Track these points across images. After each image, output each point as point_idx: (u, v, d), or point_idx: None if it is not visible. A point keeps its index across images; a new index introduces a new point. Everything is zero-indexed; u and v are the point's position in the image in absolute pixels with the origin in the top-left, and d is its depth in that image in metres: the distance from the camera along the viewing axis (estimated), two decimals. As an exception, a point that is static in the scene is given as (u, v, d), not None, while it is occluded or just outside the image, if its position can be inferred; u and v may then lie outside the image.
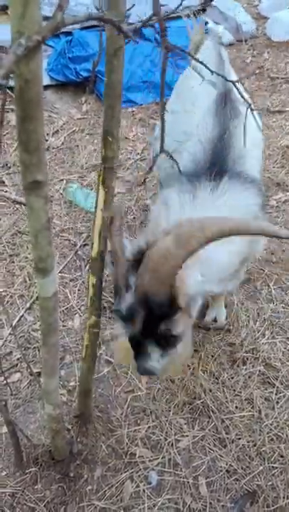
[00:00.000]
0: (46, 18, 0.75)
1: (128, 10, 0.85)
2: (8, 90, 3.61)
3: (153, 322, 1.27)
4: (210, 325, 2.35)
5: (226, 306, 2.40)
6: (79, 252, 2.67)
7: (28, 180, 0.83)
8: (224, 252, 1.42)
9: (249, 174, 1.68)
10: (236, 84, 1.12)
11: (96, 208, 1.15)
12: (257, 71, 4.33)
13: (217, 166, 1.62)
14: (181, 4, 0.99)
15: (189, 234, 1.12)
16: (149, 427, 1.97)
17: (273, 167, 3.28)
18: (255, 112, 2.15)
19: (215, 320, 2.37)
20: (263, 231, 1.09)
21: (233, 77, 2.01)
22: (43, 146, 0.81)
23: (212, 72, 0.99)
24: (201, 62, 1.00)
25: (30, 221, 0.90)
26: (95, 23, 4.00)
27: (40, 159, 0.81)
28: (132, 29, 0.76)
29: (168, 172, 1.85)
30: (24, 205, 2.88)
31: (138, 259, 1.25)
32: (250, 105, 1.23)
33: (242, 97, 1.24)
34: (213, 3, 4.49)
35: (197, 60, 0.99)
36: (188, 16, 2.34)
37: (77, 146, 3.45)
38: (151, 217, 1.65)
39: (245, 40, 4.66)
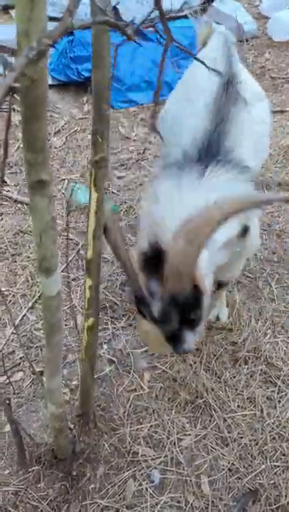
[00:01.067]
0: (51, 19, 0.76)
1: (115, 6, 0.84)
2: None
3: (185, 313, 1.34)
4: (212, 323, 2.36)
5: (227, 306, 2.41)
6: (81, 252, 2.67)
7: (32, 180, 0.84)
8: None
9: (242, 162, 1.68)
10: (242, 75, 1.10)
11: (89, 210, 1.16)
12: (258, 71, 4.33)
13: (210, 153, 1.65)
14: (183, 4, 1.00)
15: (197, 230, 1.17)
16: (151, 426, 1.98)
17: (275, 167, 3.29)
18: (265, 102, 2.17)
19: (217, 318, 2.38)
20: (259, 202, 1.18)
21: (242, 69, 2.00)
22: (47, 146, 0.81)
23: (208, 68, 0.99)
24: (201, 61, 1.00)
25: (34, 220, 0.91)
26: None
27: (45, 158, 0.82)
28: (134, 30, 0.76)
29: (165, 160, 1.87)
30: (26, 204, 2.89)
31: (147, 264, 1.32)
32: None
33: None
34: (213, 3, 4.50)
35: (196, 58, 0.99)
36: (191, 14, 2.34)
37: (79, 145, 3.46)
38: (143, 214, 1.68)
39: (246, 40, 4.66)
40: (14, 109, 3.26)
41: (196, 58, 1.03)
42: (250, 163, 1.77)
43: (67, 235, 1.37)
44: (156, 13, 0.88)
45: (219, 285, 2.30)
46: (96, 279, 1.32)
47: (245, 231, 1.71)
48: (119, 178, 3.22)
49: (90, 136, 3.24)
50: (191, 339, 1.43)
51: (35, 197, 0.87)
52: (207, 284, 1.43)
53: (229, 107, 1.75)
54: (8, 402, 1.55)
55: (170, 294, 1.28)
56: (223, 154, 1.67)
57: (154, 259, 1.32)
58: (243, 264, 2.11)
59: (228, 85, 1.80)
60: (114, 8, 4.45)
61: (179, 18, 4.17)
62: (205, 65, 1.02)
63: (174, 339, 1.42)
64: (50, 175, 0.85)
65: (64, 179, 3.16)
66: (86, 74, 3.88)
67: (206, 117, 1.75)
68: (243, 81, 1.86)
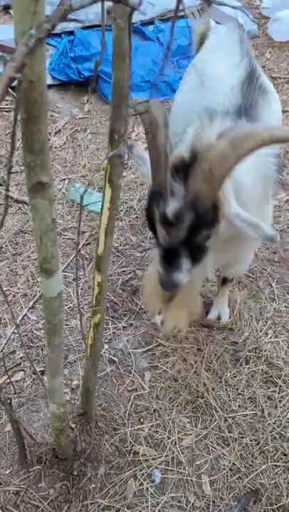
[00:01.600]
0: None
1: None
2: (10, 90, 3.61)
3: (196, 228, 1.35)
4: (213, 323, 2.36)
5: (229, 306, 2.41)
6: (82, 251, 2.67)
7: (32, 182, 0.84)
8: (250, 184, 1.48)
9: None
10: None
11: (102, 206, 1.16)
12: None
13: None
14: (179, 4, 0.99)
15: (243, 138, 1.21)
16: (152, 426, 1.98)
17: (275, 166, 3.28)
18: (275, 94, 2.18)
19: (218, 318, 2.38)
20: None
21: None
22: (47, 147, 0.81)
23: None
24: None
25: (35, 222, 0.91)
26: (97, 22, 4.01)
27: (44, 160, 0.82)
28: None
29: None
30: (27, 204, 2.89)
31: (180, 166, 1.33)
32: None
33: None
34: (213, 4, 4.49)
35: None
36: (192, 13, 2.34)
37: (80, 145, 3.46)
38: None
39: (247, 40, 4.65)
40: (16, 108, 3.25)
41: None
42: None
43: (78, 235, 1.36)
44: (155, 10, 0.88)
45: (224, 281, 2.31)
46: (105, 275, 1.32)
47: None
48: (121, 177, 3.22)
49: (90, 136, 3.25)
50: (186, 269, 1.43)
51: (35, 199, 0.87)
52: (228, 209, 1.41)
53: (256, 97, 1.74)
54: (9, 401, 1.56)
55: (195, 193, 1.29)
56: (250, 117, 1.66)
57: (187, 164, 1.33)
58: (250, 257, 2.11)
59: (252, 77, 1.80)
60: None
61: (180, 17, 4.16)
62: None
63: (171, 260, 1.42)
64: (50, 177, 0.85)
65: (65, 179, 3.16)
66: (86, 73, 3.87)
67: (233, 102, 1.73)
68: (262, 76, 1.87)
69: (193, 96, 1.98)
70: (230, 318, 2.38)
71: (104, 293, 1.38)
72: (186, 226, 1.33)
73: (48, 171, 0.84)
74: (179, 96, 2.23)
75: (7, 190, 0.78)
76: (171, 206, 1.34)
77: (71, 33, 4.04)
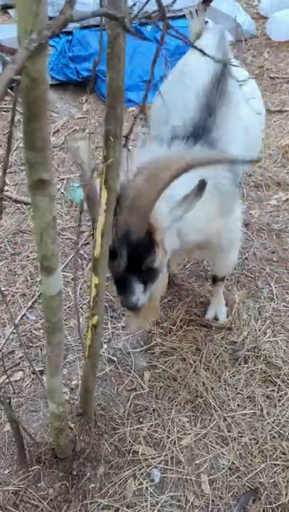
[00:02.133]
0: (50, 19, 0.75)
1: (131, 7, 0.85)
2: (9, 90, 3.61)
3: (137, 257, 1.40)
4: (211, 323, 2.36)
5: (226, 305, 2.41)
6: (80, 251, 2.67)
7: (33, 179, 0.84)
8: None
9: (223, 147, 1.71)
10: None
11: (99, 208, 1.16)
12: (257, 71, 4.33)
13: (195, 132, 1.70)
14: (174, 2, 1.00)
15: (157, 172, 1.24)
16: (151, 425, 1.98)
17: (274, 166, 3.29)
18: (257, 97, 2.21)
19: (216, 318, 2.38)
20: (213, 160, 1.26)
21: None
22: (48, 145, 0.81)
23: (204, 55, 1.00)
24: (201, 51, 1.00)
25: (35, 220, 0.91)
26: (95, 22, 4.01)
27: (45, 158, 0.82)
28: (132, 22, 0.76)
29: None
30: (25, 204, 2.89)
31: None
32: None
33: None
34: (212, 3, 4.49)
35: (194, 47, 0.99)
36: (190, 14, 2.36)
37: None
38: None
39: (245, 40, 4.67)
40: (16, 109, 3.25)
41: (194, 47, 1.03)
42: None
43: (78, 235, 1.38)
44: (153, 8, 0.88)
45: (213, 280, 2.32)
46: (103, 277, 1.32)
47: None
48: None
49: (89, 136, 3.23)
50: (139, 291, 1.48)
51: (35, 196, 0.87)
52: (167, 242, 1.48)
53: (218, 99, 1.78)
54: (9, 400, 1.55)
55: (123, 228, 1.33)
56: (207, 139, 1.69)
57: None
58: (232, 258, 2.13)
59: (220, 79, 1.82)
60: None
61: (177, 17, 4.17)
62: (203, 52, 1.01)
63: (123, 287, 1.46)
64: (50, 174, 0.85)
65: (63, 179, 3.16)
66: (85, 73, 3.88)
67: (197, 104, 1.77)
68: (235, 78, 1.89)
69: (173, 91, 2.02)
70: (228, 317, 2.38)
71: (102, 295, 1.38)
72: (124, 257, 1.39)
73: (49, 168, 0.83)
74: (163, 86, 2.27)
75: (1, 191, 0.77)
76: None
77: (69, 32, 4.04)
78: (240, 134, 1.86)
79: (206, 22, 4.15)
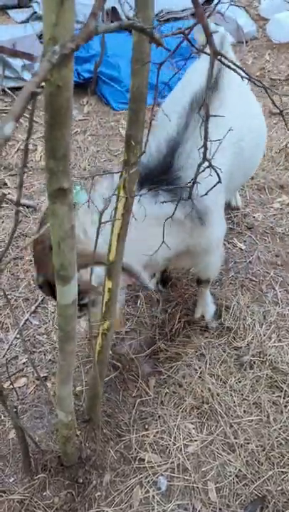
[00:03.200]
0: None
1: (157, 15, 0.83)
2: (8, 91, 3.57)
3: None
4: (202, 322, 2.35)
5: (227, 308, 2.39)
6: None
7: (53, 188, 0.81)
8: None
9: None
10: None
11: (116, 212, 1.14)
12: (258, 73, 4.32)
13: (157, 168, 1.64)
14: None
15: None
16: (157, 432, 1.96)
17: (276, 169, 3.28)
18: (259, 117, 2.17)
19: (203, 317, 2.36)
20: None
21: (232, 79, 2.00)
22: (69, 153, 0.79)
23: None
24: (234, 66, 0.94)
25: (53, 228, 0.88)
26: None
27: (66, 166, 0.79)
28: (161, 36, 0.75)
29: None
30: (28, 207, 2.86)
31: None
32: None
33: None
34: (213, 7, 4.48)
35: (196, 48, 0.94)
36: (192, 16, 2.35)
37: (79, 147, 3.43)
38: None
39: (246, 42, 4.66)
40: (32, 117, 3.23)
41: (196, 49, 0.99)
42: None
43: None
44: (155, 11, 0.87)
45: (198, 282, 2.31)
46: (116, 281, 1.30)
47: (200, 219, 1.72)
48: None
49: (90, 138, 3.22)
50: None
51: (55, 205, 0.84)
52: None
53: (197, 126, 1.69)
54: (15, 410, 1.53)
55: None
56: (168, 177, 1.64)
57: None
58: (215, 261, 2.10)
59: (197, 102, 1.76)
60: (113, 9, 4.42)
61: (179, 19, 4.16)
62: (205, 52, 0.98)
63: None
64: (71, 183, 0.82)
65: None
66: (86, 75, 3.85)
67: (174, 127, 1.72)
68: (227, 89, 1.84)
69: (178, 94, 2.01)
70: (216, 315, 2.35)
71: (115, 299, 1.35)
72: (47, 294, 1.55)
73: (70, 177, 0.81)
74: (175, 88, 2.27)
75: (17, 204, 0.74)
76: (39, 281, 1.57)
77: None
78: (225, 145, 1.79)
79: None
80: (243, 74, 0.80)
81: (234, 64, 0.75)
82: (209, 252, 1.97)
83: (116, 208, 1.12)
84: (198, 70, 2.17)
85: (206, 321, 2.37)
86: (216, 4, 1.05)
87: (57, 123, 0.73)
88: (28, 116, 0.65)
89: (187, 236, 1.76)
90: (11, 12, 4.89)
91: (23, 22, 4.69)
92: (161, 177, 1.63)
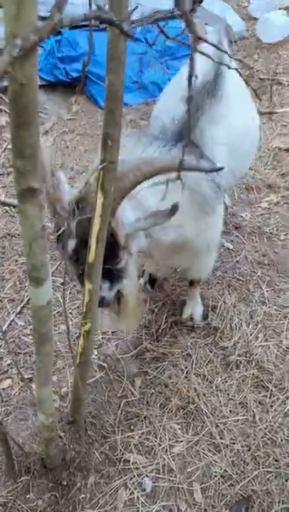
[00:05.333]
0: (42, 19, 0.72)
1: (132, 11, 0.82)
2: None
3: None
4: (189, 322, 2.35)
5: (214, 308, 2.39)
6: (70, 255, 2.63)
7: (22, 187, 0.80)
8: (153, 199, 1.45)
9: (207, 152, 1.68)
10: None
11: (94, 212, 1.13)
12: (246, 72, 4.32)
13: (177, 133, 1.66)
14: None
15: (122, 174, 1.20)
16: (142, 433, 1.95)
17: (265, 169, 3.28)
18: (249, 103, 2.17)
19: (192, 318, 2.36)
20: (185, 167, 1.16)
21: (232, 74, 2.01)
22: (37, 152, 0.78)
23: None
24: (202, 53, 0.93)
25: (23, 229, 0.87)
26: (85, 21, 3.96)
27: (35, 166, 0.78)
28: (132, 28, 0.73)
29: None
30: (14, 207, 2.84)
31: (73, 208, 1.34)
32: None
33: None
34: (202, 4, 4.47)
35: (200, 52, 0.92)
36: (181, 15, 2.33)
37: (67, 147, 3.42)
38: None
39: (235, 41, 4.66)
40: (1, 110, 3.20)
41: (201, 52, 0.96)
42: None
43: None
44: (144, 12, 0.85)
45: (190, 283, 2.31)
46: (96, 282, 1.28)
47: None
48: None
49: (78, 137, 3.20)
50: (106, 289, 1.46)
51: (24, 205, 0.83)
52: (134, 246, 1.45)
53: (206, 103, 1.74)
54: (-4, 412, 1.51)
55: (83, 231, 1.29)
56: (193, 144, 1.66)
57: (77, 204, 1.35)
58: (209, 262, 2.11)
59: (211, 83, 1.77)
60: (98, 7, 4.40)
61: (169, 18, 4.14)
62: (207, 55, 0.96)
63: None
64: (40, 182, 0.81)
65: (52, 181, 3.11)
66: (74, 74, 3.84)
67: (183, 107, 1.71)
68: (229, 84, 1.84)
69: (166, 102, 2.01)
70: (207, 318, 2.35)
71: (96, 301, 1.34)
72: (83, 259, 1.34)
73: (39, 177, 0.80)
74: (168, 85, 2.26)
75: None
76: (70, 246, 1.38)
77: (58, 32, 3.99)
78: (226, 143, 1.82)
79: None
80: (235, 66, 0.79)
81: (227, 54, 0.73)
82: (210, 250, 1.99)
83: (94, 209, 1.11)
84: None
85: (193, 321, 2.36)
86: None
87: (23, 122, 0.72)
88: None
89: (195, 219, 1.75)
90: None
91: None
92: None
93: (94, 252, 1.19)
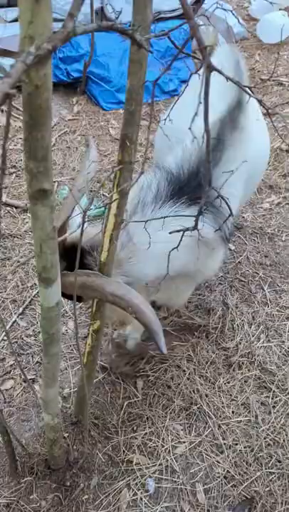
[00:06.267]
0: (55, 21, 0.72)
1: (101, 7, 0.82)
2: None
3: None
4: (191, 322, 2.33)
5: (216, 309, 2.39)
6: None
7: (34, 189, 0.80)
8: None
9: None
10: (251, 94, 1.02)
11: (109, 211, 1.13)
12: (247, 73, 4.32)
13: (187, 186, 1.55)
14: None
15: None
16: (145, 434, 1.95)
17: (266, 169, 3.27)
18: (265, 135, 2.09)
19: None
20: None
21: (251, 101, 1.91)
22: (50, 154, 0.78)
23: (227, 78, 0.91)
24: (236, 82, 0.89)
25: (34, 230, 0.87)
26: (86, 22, 3.96)
27: (47, 167, 0.78)
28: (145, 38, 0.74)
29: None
30: (15, 207, 2.84)
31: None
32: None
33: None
34: (203, 5, 4.48)
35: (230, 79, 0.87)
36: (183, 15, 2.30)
37: (69, 147, 3.41)
38: None
39: (236, 42, 4.66)
40: (2, 111, 3.19)
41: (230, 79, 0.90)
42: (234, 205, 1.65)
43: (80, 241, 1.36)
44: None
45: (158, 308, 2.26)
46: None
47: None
48: (110, 181, 3.18)
49: (79, 138, 3.20)
50: None
51: (36, 206, 0.83)
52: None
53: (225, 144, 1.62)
54: (0, 411, 1.51)
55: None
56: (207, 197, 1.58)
57: None
58: (183, 296, 2.07)
59: (232, 113, 1.66)
60: (102, 9, 4.40)
61: (170, 18, 4.15)
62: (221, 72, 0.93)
63: None
64: (52, 184, 0.81)
65: (54, 182, 3.10)
66: (75, 74, 3.83)
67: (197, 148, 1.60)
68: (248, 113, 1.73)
69: (178, 117, 1.95)
70: (207, 319, 2.35)
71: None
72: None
73: (51, 178, 0.80)
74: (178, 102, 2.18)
75: None
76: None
77: (59, 33, 3.98)
78: (242, 178, 1.72)
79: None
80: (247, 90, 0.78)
81: (232, 80, 0.72)
82: (204, 274, 1.91)
83: (108, 208, 1.12)
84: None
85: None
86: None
87: (36, 124, 0.72)
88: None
89: (193, 258, 1.65)
90: (1, 11, 4.84)
91: (13, 21, 4.66)
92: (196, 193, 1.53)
93: (107, 252, 1.19)
